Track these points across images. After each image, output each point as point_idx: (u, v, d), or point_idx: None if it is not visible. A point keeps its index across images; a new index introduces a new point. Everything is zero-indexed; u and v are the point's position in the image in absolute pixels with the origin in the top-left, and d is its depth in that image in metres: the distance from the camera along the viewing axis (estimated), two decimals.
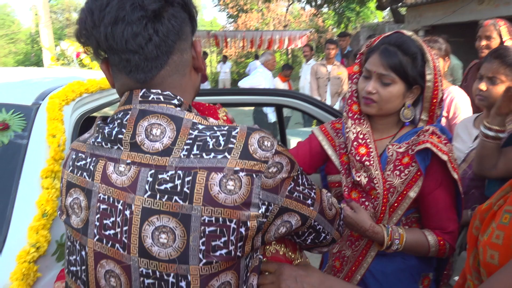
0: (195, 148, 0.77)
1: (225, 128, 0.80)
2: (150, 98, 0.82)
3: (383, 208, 1.35)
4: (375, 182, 1.35)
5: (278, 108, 2.26)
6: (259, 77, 5.81)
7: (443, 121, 2.32)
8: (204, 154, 0.76)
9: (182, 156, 0.77)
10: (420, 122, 1.44)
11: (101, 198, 0.81)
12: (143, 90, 0.83)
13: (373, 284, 1.43)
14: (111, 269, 0.80)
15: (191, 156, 0.77)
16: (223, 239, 0.76)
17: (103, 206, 0.81)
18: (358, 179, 1.38)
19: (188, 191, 0.75)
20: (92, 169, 0.83)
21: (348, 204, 1.37)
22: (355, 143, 1.40)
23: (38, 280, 1.17)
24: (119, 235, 0.79)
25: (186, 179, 0.75)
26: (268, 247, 1.00)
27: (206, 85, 13.94)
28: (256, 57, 14.83)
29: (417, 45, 1.34)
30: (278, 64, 22.96)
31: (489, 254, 0.84)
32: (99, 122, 0.87)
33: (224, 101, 2.23)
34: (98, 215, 0.81)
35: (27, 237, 1.22)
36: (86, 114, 1.80)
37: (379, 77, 1.33)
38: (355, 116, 1.45)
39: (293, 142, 4.67)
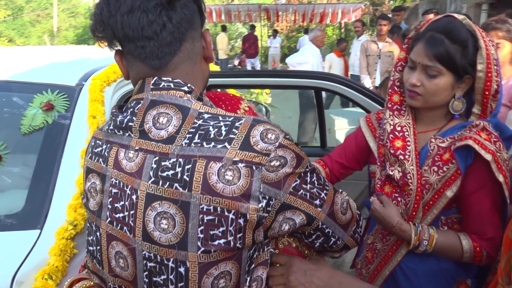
0: (196, 137, 0.78)
1: (230, 119, 0.80)
2: (161, 86, 0.84)
3: (415, 205, 1.28)
4: (409, 177, 1.27)
5: (317, 92, 2.21)
6: (307, 53, 5.69)
7: (503, 110, 2.14)
8: (204, 143, 0.77)
9: (184, 144, 0.78)
10: (472, 115, 1.30)
11: (113, 183, 0.84)
12: (155, 78, 0.85)
13: (403, 281, 1.38)
14: (120, 250, 0.84)
15: (192, 144, 0.78)
16: (221, 229, 0.76)
17: (114, 190, 0.84)
18: (391, 173, 1.31)
19: (187, 179, 0.76)
20: (106, 155, 0.87)
21: (378, 198, 1.32)
22: (391, 135, 1.34)
23: (74, 256, 1.24)
24: (126, 219, 0.82)
25: (186, 167, 0.76)
26: (281, 238, 0.99)
27: (256, 61, 13.90)
28: (306, 31, 14.52)
29: (468, 31, 1.21)
30: (331, 39, 22.38)
31: None
32: (114, 110, 0.91)
33: (261, 83, 2.21)
34: (110, 199, 0.85)
35: (66, 215, 1.29)
36: (127, 94, 1.85)
37: (424, 68, 1.23)
38: (395, 107, 1.37)
39: (337, 122, 4.58)
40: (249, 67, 14.03)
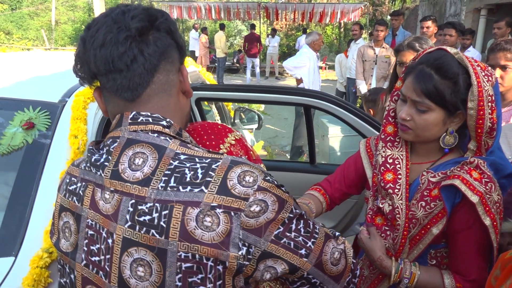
0: (172, 180, 0.77)
1: (207, 161, 0.79)
2: (139, 120, 0.84)
3: (402, 240, 1.25)
4: (397, 212, 1.24)
5: (306, 109, 2.18)
6: (304, 57, 5.64)
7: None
8: (180, 187, 0.76)
9: (160, 188, 0.76)
10: (468, 151, 1.26)
11: (89, 224, 0.83)
12: (133, 112, 0.84)
13: None
14: None
15: (168, 188, 0.76)
16: (200, 276, 0.74)
17: (90, 232, 0.83)
18: (381, 205, 1.29)
19: (164, 225, 0.74)
20: (81, 193, 0.85)
21: (367, 228, 1.30)
22: (382, 168, 1.31)
23: (49, 285, 1.21)
24: (102, 263, 0.80)
25: (163, 212, 0.75)
26: (261, 282, 0.97)
27: (257, 60, 13.85)
28: (304, 31, 14.47)
29: (461, 66, 1.17)
30: (330, 38, 22.32)
31: None
32: (91, 147, 0.89)
33: (253, 98, 2.19)
34: (86, 241, 0.83)
35: (42, 241, 1.26)
36: None
37: (414, 103, 1.20)
38: (388, 139, 1.35)
39: (331, 129, 4.56)
40: (249, 66, 13.98)
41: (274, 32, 15.23)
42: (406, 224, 1.24)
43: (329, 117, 4.71)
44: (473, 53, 5.27)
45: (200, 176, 0.76)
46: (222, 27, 14.11)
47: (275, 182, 0.80)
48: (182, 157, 0.80)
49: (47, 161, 1.41)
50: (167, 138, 0.83)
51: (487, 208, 1.14)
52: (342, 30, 22.01)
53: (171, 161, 0.79)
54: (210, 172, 0.77)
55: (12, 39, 19.51)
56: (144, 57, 0.82)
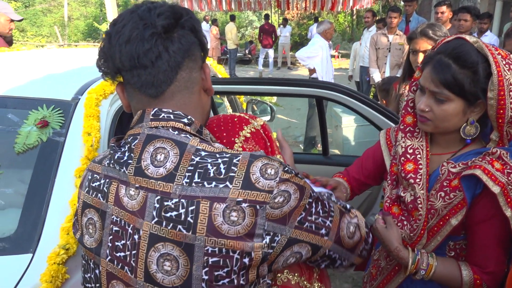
0: (196, 175, 0.78)
1: (227, 155, 0.80)
2: (160, 116, 0.85)
3: (421, 232, 1.23)
4: (419, 202, 1.22)
5: (319, 100, 2.16)
6: (317, 47, 5.59)
7: None
8: (205, 183, 0.77)
9: (185, 184, 0.78)
10: (490, 141, 1.23)
11: (114, 220, 0.84)
12: (155, 109, 0.86)
13: None
14: None
15: (193, 184, 0.77)
16: (226, 269, 0.76)
17: (115, 228, 0.84)
18: (403, 194, 1.27)
19: (192, 221, 0.75)
20: (106, 190, 0.86)
21: (383, 217, 1.28)
22: (403, 158, 1.29)
23: (66, 281, 1.23)
24: (128, 258, 0.82)
25: (190, 208, 0.76)
26: (279, 275, 0.98)
27: (271, 50, 13.78)
28: (316, 20, 14.30)
29: (480, 55, 1.13)
30: (342, 26, 22.04)
31: None
32: (112, 144, 0.91)
33: (265, 91, 2.18)
34: (111, 237, 0.84)
35: (59, 238, 1.28)
36: None
37: (432, 93, 1.18)
38: (407, 129, 1.33)
39: (344, 120, 4.52)
40: (262, 56, 13.92)
41: (285, 21, 15.10)
42: (426, 214, 1.22)
43: (343, 107, 4.66)
44: (490, 38, 5.15)
45: (223, 171, 0.78)
46: (232, 18, 14.04)
47: (293, 172, 0.82)
48: (203, 153, 0.81)
49: (62, 159, 1.43)
50: (188, 135, 0.84)
51: (509, 199, 1.11)
52: (354, 17, 21.70)
53: (192, 157, 0.80)
54: (232, 167, 0.78)
55: (27, 37, 19.73)
56: (168, 54, 0.83)
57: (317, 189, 0.91)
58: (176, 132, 0.84)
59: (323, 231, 0.85)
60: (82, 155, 1.46)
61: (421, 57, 2.34)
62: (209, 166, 0.78)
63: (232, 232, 0.75)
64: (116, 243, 0.83)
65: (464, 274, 1.19)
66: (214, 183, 0.77)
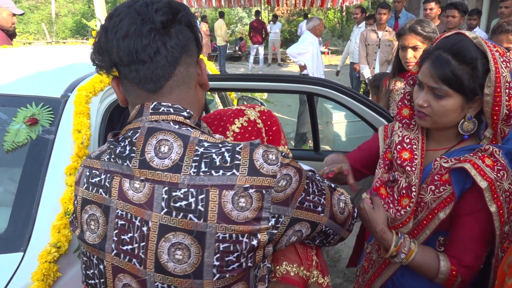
0: (203, 165, 0.80)
1: (230, 145, 0.83)
2: (160, 110, 0.86)
3: (407, 219, 1.25)
4: (413, 190, 1.24)
5: (309, 97, 2.17)
6: (307, 43, 5.61)
7: None
8: (213, 172, 0.79)
9: (192, 173, 0.79)
10: (484, 139, 1.24)
11: (119, 214, 0.84)
12: (154, 103, 0.86)
13: None
14: (128, 282, 0.84)
15: (201, 173, 0.79)
16: (236, 254, 0.78)
17: (121, 222, 0.84)
18: (399, 178, 1.28)
19: (202, 209, 0.77)
20: (108, 185, 0.86)
21: (371, 197, 1.29)
22: (399, 146, 1.31)
23: (58, 279, 1.22)
24: (136, 251, 0.82)
25: (199, 197, 0.78)
26: (278, 267, 0.99)
27: (261, 47, 13.76)
28: (306, 16, 14.30)
29: (479, 51, 1.14)
30: (332, 23, 22.08)
31: None
32: (110, 139, 0.91)
33: (256, 87, 2.18)
34: (116, 231, 0.84)
35: (50, 236, 1.27)
36: (114, 103, 1.82)
37: (431, 89, 1.18)
38: (404, 121, 1.34)
39: (335, 116, 4.54)
40: (253, 53, 13.90)
41: (275, 18, 15.08)
42: (415, 203, 1.24)
43: (333, 103, 4.69)
44: (479, 34, 5.19)
45: (228, 159, 0.80)
46: (221, 15, 13.98)
47: (289, 156, 0.87)
48: (206, 144, 0.83)
49: (52, 157, 1.42)
50: (188, 128, 0.86)
51: (495, 195, 1.12)
52: (344, 14, 21.76)
53: (196, 147, 0.81)
54: (236, 155, 0.80)
55: None
56: (167, 50, 0.84)
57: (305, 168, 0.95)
58: (177, 126, 0.85)
59: (319, 208, 0.91)
60: (72, 152, 1.45)
61: (410, 53, 2.36)
62: (214, 156, 0.80)
63: (241, 217, 0.77)
64: (122, 237, 0.83)
65: (441, 264, 1.20)
66: (221, 171, 0.79)
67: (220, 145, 0.83)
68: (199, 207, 0.77)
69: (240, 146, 0.82)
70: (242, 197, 0.77)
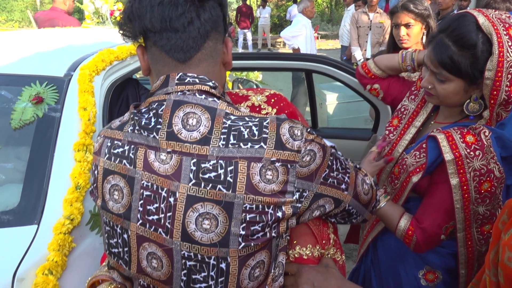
0: (231, 137, 0.81)
1: (256, 119, 0.84)
2: (186, 81, 0.86)
3: (389, 178, 1.40)
4: (390, 155, 1.39)
5: (308, 74, 2.20)
6: (300, 26, 5.62)
7: None
8: (241, 144, 0.81)
9: (221, 146, 0.81)
10: (482, 119, 1.26)
11: (145, 185, 0.85)
12: (180, 73, 0.87)
13: (380, 252, 1.51)
14: (153, 251, 0.86)
15: (230, 145, 0.81)
16: (261, 224, 0.81)
17: (146, 193, 0.85)
18: (387, 147, 1.43)
19: (231, 180, 0.79)
20: (132, 156, 0.86)
21: (382, 143, 1.44)
22: (395, 113, 1.45)
23: (73, 250, 1.26)
24: (162, 221, 0.84)
25: (229, 168, 0.80)
26: (291, 251, 1.01)
27: (249, 32, 13.69)
28: (294, 1, 14.23)
29: (481, 34, 1.13)
30: (321, 7, 21.96)
31: (506, 256, 0.78)
32: (134, 111, 0.90)
33: (253, 66, 2.20)
34: (142, 201, 0.85)
35: (62, 209, 1.31)
36: (118, 81, 1.84)
37: (433, 72, 1.23)
38: (414, 92, 1.47)
39: (328, 97, 4.58)
40: (241, 39, 13.82)
41: (264, 3, 14.98)
42: (395, 169, 1.37)
43: (327, 85, 4.73)
44: None
45: (256, 133, 0.82)
46: None
47: (314, 133, 0.87)
48: (233, 117, 0.84)
49: (59, 134, 1.44)
50: (215, 99, 0.86)
51: (462, 171, 1.16)
52: None
53: (224, 120, 0.83)
54: (264, 129, 0.82)
55: None
56: (200, 22, 0.85)
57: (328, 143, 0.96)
58: (203, 96, 0.85)
59: (343, 186, 0.92)
60: (80, 129, 1.47)
61: (403, 30, 2.39)
62: (242, 129, 0.82)
63: (268, 189, 0.80)
64: (148, 207, 0.84)
65: (401, 221, 1.30)
66: (249, 144, 0.80)
67: (247, 119, 0.84)
68: (228, 178, 0.79)
69: (267, 121, 0.84)
70: (269, 170, 0.80)
